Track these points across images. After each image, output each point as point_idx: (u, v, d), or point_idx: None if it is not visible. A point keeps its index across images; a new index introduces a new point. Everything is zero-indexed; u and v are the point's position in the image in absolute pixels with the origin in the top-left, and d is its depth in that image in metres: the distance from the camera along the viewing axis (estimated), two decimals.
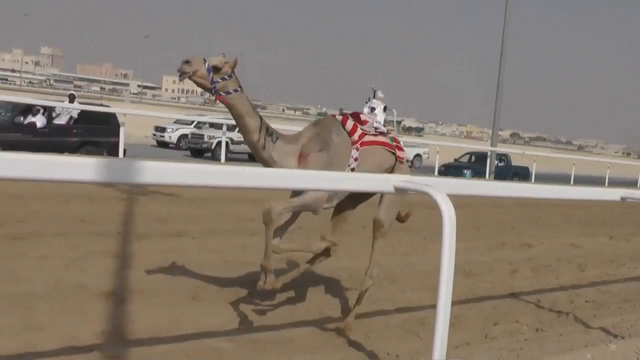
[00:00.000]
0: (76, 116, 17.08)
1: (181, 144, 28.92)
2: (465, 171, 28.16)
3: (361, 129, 5.21)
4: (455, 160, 31.02)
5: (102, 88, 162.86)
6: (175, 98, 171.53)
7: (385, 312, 6.11)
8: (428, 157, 35.78)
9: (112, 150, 16.41)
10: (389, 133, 5.60)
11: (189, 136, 28.56)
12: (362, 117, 5.35)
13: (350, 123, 5.15)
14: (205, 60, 4.45)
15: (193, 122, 29.25)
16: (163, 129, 30.07)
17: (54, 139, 15.88)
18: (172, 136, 29.52)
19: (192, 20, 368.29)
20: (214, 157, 24.85)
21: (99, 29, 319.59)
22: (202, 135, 27.36)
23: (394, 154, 5.45)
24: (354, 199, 5.59)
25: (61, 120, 17.01)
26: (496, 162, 28.15)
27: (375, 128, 5.35)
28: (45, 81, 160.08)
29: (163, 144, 29.92)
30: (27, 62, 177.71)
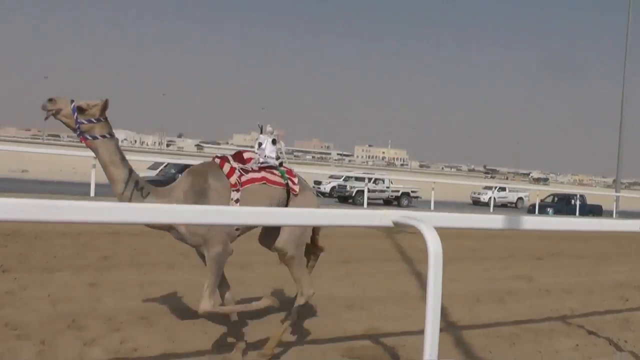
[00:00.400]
0: None
1: (332, 193, 31.65)
2: (549, 209, 30.83)
3: (240, 169, 4.74)
4: (541, 200, 32.53)
5: (313, 157, 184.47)
6: (364, 162, 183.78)
7: None
8: (528, 199, 39.97)
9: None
10: (280, 166, 5.09)
11: (337, 187, 31.90)
12: (247, 154, 4.97)
13: (227, 166, 4.69)
14: (72, 101, 4.09)
15: (342, 176, 32.78)
16: (319, 182, 33.22)
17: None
18: (326, 187, 32.43)
19: (378, 100, 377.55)
20: (355, 203, 28.11)
21: (308, 113, 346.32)
22: (345, 186, 31.05)
23: (287, 186, 4.99)
24: (270, 238, 5.02)
25: None
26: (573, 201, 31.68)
27: (262, 163, 4.94)
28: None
29: (320, 194, 31.97)
30: None
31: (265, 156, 4.98)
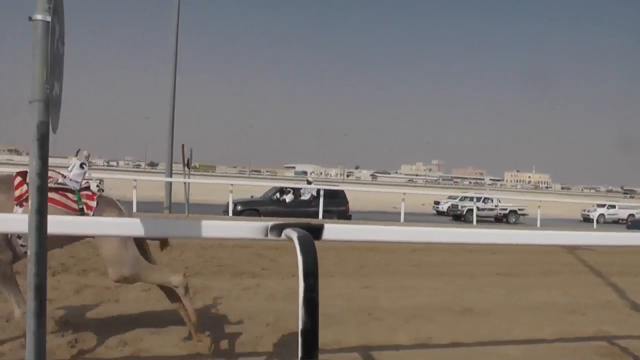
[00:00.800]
0: (315, 194, 18.97)
1: (448, 212, 31.50)
2: None
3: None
4: None
5: (469, 182, 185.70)
6: (513, 185, 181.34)
7: None
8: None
9: (342, 216, 18.60)
10: (84, 190, 4.56)
11: (450, 207, 31.44)
12: (51, 173, 4.21)
13: (18, 179, 4.19)
14: None
15: (458, 197, 31.99)
16: (438, 202, 33.56)
17: (299, 209, 18.09)
18: (443, 207, 32.35)
19: (525, 129, 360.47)
20: (465, 221, 26.70)
21: (464, 144, 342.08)
22: (457, 205, 30.52)
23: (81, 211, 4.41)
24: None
25: (305, 197, 19.30)
26: None
27: (60, 184, 4.42)
28: (436, 180, 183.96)
29: (439, 213, 32.62)
30: (424, 170, 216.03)
31: (69, 179, 4.53)
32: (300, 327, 2.52)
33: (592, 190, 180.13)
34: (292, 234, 2.74)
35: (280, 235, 2.90)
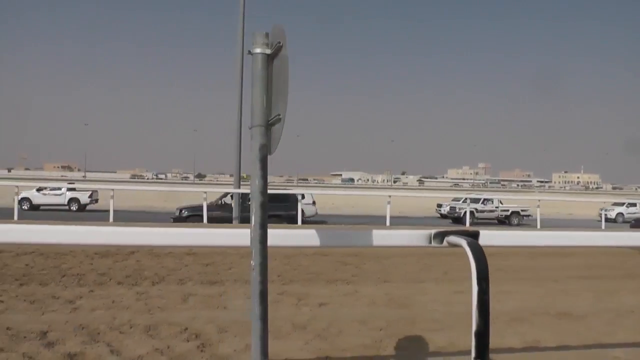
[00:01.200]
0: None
1: (448, 215, 31.07)
2: None
3: None
4: None
5: (517, 185, 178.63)
6: (562, 187, 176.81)
7: None
8: None
9: (293, 220, 18.05)
10: None
11: (450, 209, 31.16)
12: None
13: None
14: None
15: (459, 199, 31.64)
16: (440, 205, 33.24)
17: (244, 214, 16.78)
18: (445, 209, 31.86)
19: (572, 128, 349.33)
20: (462, 223, 26.49)
21: (510, 146, 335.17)
22: (455, 207, 30.44)
23: None
24: None
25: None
26: None
27: None
28: (484, 183, 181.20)
29: (442, 216, 32.21)
30: (470, 173, 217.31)
31: None
32: (473, 328, 2.68)
33: None
34: (459, 240, 2.88)
35: (442, 242, 3.05)
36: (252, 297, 2.23)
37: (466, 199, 30.24)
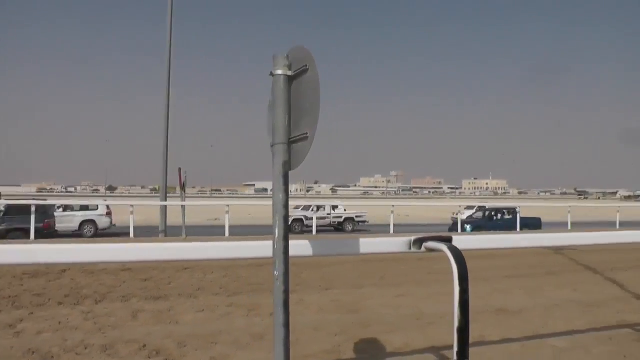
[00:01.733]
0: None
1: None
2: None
3: None
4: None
5: (429, 192, 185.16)
6: (472, 193, 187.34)
7: None
8: None
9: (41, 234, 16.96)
10: None
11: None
12: None
13: None
14: None
15: (300, 207, 28.16)
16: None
17: None
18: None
19: (480, 137, 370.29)
20: (292, 231, 24.18)
21: (422, 154, 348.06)
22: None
23: None
24: None
25: None
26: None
27: None
28: (395, 191, 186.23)
29: None
30: (383, 181, 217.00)
31: None
32: (455, 325, 2.93)
33: (547, 194, 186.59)
34: (440, 246, 3.14)
35: (420, 247, 3.28)
36: (275, 306, 2.34)
37: (297, 206, 27.99)
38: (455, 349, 2.95)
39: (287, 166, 2.31)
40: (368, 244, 3.19)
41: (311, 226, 24.64)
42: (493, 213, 27.18)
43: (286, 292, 2.30)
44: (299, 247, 2.95)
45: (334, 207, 28.99)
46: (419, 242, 3.28)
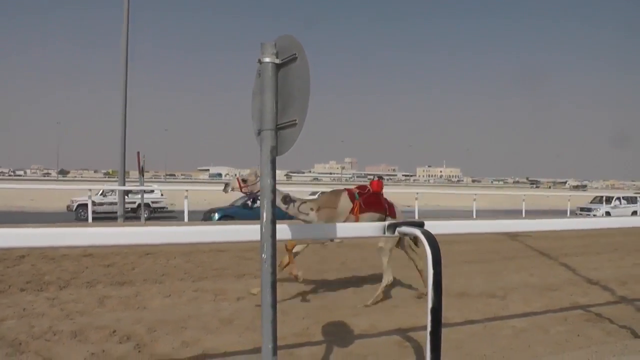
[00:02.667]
0: None
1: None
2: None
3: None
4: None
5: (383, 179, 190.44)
6: (426, 180, 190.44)
7: None
8: None
9: None
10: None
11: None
12: None
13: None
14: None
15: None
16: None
17: None
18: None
19: (435, 126, 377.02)
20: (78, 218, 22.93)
21: (377, 141, 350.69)
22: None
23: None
24: None
25: None
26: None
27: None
28: (350, 178, 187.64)
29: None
30: (337, 168, 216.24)
31: None
32: (429, 305, 3.09)
33: (500, 182, 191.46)
34: (413, 230, 3.27)
35: (394, 232, 3.42)
36: (262, 287, 2.42)
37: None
38: (429, 329, 3.09)
39: (275, 152, 2.38)
40: (344, 228, 3.31)
41: (101, 212, 22.86)
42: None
43: (273, 273, 2.39)
44: (280, 231, 3.03)
45: (150, 192, 25.26)
46: (392, 227, 3.41)
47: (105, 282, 7.45)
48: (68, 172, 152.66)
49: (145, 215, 18.29)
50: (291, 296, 7.02)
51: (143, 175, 16.75)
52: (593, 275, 9.10)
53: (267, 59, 2.37)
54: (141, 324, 5.51)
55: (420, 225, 3.44)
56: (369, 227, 3.40)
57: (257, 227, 2.51)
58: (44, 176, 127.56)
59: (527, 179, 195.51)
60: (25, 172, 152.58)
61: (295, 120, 2.33)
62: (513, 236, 13.80)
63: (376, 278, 8.37)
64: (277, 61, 2.38)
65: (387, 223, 3.37)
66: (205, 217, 18.56)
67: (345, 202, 6.65)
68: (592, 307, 6.86)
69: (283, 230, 3.03)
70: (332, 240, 6.05)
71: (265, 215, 2.38)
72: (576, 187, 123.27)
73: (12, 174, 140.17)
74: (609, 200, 31.42)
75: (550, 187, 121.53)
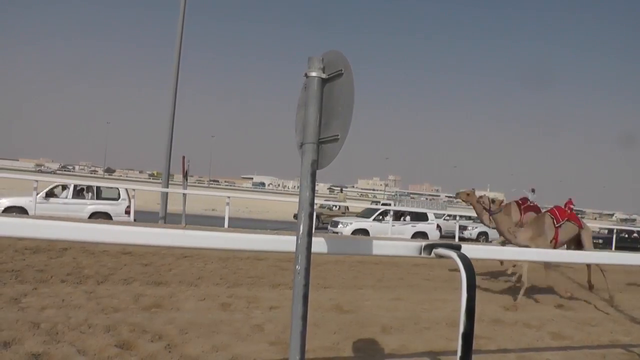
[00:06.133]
0: None
1: None
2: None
3: None
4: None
5: (426, 199, 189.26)
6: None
7: None
8: None
9: None
10: None
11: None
12: None
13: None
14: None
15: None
16: None
17: None
18: None
19: (481, 149, 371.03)
20: None
21: (422, 162, 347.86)
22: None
23: None
24: None
25: None
26: None
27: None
28: (393, 195, 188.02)
29: None
30: (380, 184, 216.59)
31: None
32: (461, 330, 3.02)
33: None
34: (449, 253, 3.23)
35: (430, 253, 3.38)
36: (294, 298, 2.43)
37: None
38: (459, 354, 3.04)
39: (315, 165, 2.40)
40: (380, 246, 3.29)
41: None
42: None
43: (306, 286, 2.39)
44: (316, 244, 3.04)
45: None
46: (429, 248, 3.38)
47: (141, 281, 7.60)
48: (114, 171, 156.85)
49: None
50: (325, 310, 7.00)
51: (187, 180, 17.06)
52: (637, 313, 8.74)
53: (313, 73, 2.40)
54: (173, 325, 5.59)
55: (457, 248, 3.40)
56: (406, 247, 3.37)
57: (294, 238, 2.53)
58: (91, 173, 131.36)
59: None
60: (73, 168, 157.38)
61: (338, 135, 2.35)
62: (553, 266, 13.41)
63: (412, 297, 8.29)
64: (324, 76, 2.41)
65: (424, 243, 3.34)
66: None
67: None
68: (635, 347, 6.59)
69: (319, 244, 3.05)
70: None
71: (302, 227, 2.40)
72: (624, 221, 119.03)
73: (61, 168, 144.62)
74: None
75: (595, 219, 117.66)
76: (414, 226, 21.46)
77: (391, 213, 21.23)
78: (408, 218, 22.06)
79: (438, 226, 21.76)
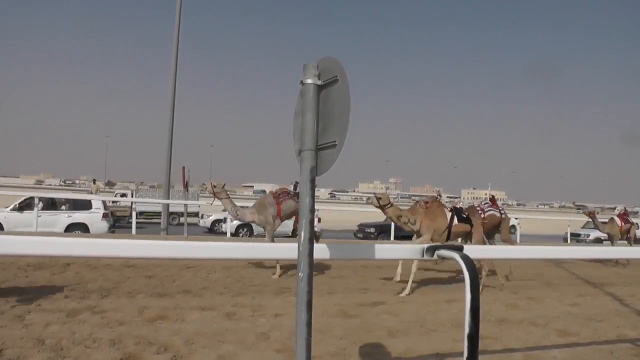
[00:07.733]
0: None
1: None
2: None
3: None
4: None
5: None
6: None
7: None
8: None
9: None
10: None
11: None
12: None
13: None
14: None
15: None
16: None
17: None
18: None
19: (480, 149, 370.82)
20: None
21: (422, 163, 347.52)
22: None
23: None
24: None
25: None
26: None
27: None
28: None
29: None
30: (382, 187, 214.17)
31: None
32: (466, 331, 3.01)
33: (546, 207, 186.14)
34: (451, 254, 3.23)
35: (432, 255, 3.38)
36: (298, 306, 2.43)
37: None
38: (465, 355, 3.03)
39: (314, 172, 2.41)
40: (383, 250, 3.29)
41: None
42: None
43: (309, 292, 2.40)
44: (318, 250, 3.04)
45: None
46: (431, 250, 3.38)
47: (145, 293, 7.60)
48: (115, 184, 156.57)
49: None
50: (331, 315, 6.99)
51: (187, 190, 17.07)
52: None
53: (309, 80, 2.42)
54: (179, 336, 5.58)
55: (459, 249, 3.40)
56: (407, 249, 3.38)
57: (295, 245, 2.54)
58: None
59: (573, 203, 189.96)
60: (74, 182, 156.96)
61: (335, 141, 2.36)
62: (557, 262, 13.43)
63: (416, 299, 8.29)
64: (319, 82, 2.42)
65: (426, 246, 3.35)
66: None
67: None
68: None
69: (321, 250, 3.05)
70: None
71: (303, 234, 2.41)
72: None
73: (62, 183, 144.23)
74: None
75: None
76: (70, 216, 17.39)
77: (36, 201, 16.69)
78: (65, 207, 17.81)
79: (105, 215, 17.82)
